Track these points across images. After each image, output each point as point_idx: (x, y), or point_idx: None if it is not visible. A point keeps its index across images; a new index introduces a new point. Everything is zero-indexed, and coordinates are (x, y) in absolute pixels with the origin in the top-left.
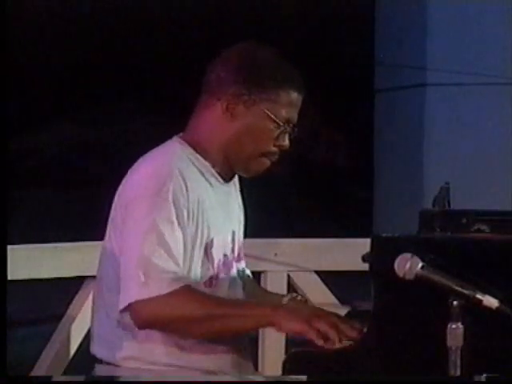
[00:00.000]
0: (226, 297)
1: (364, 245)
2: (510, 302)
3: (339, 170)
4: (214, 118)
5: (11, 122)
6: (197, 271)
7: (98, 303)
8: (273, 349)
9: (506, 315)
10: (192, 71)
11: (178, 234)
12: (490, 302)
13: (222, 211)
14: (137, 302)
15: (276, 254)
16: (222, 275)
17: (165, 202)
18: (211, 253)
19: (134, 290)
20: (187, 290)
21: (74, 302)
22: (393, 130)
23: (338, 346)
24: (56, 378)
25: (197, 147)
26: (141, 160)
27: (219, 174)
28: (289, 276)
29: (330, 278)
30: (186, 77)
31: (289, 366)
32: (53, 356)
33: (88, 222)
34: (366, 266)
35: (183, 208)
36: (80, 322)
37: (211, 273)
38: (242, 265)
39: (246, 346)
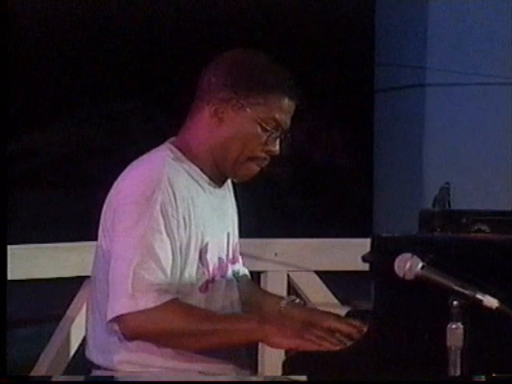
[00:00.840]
0: (221, 300)
1: (364, 245)
2: (510, 302)
3: (339, 170)
4: (203, 123)
5: (11, 122)
6: (192, 277)
7: (92, 305)
8: (273, 349)
9: (506, 315)
10: (192, 72)
11: (167, 243)
12: (490, 302)
13: (216, 215)
14: (124, 315)
15: (276, 254)
16: (217, 279)
17: (153, 211)
18: (206, 258)
19: (121, 302)
20: (174, 305)
21: (73, 302)
22: (393, 130)
23: (337, 347)
24: (56, 378)
25: (187, 152)
26: (131, 166)
27: (210, 178)
28: (289, 276)
29: (330, 278)
30: (186, 77)
31: (289, 366)
32: (53, 356)
33: (88, 222)
34: (366, 266)
35: (171, 217)
36: (80, 323)
37: (206, 277)
38: (238, 266)
39: (243, 348)
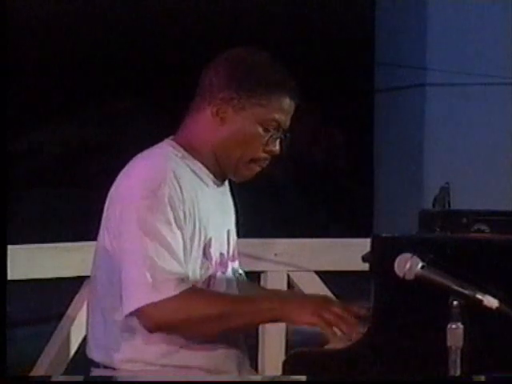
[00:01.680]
0: None
1: (364, 245)
2: (510, 302)
3: (339, 170)
4: (205, 123)
5: (11, 122)
6: (196, 271)
7: (93, 305)
8: (273, 349)
9: (506, 315)
10: (192, 72)
11: (177, 234)
12: (490, 302)
13: (218, 211)
14: (147, 306)
15: (276, 254)
16: (219, 274)
17: (161, 205)
18: (210, 252)
19: (143, 294)
20: (196, 291)
21: (73, 302)
22: (393, 130)
23: (352, 332)
24: (56, 378)
25: (189, 149)
26: (132, 162)
27: (214, 174)
28: (288, 276)
29: (330, 278)
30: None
31: (289, 366)
32: (53, 356)
33: (88, 222)
34: (366, 266)
35: (179, 210)
36: (80, 322)
37: (210, 272)
38: (236, 265)
39: (242, 344)
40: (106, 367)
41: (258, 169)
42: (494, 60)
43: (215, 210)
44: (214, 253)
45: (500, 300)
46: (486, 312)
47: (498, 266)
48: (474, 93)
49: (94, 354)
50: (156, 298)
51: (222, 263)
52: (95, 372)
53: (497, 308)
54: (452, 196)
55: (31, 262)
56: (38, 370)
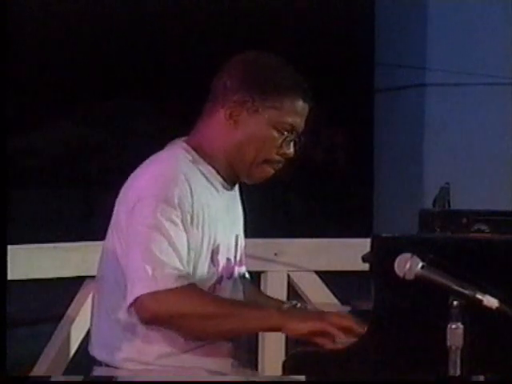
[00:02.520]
0: None
1: (364, 245)
2: (510, 302)
3: (339, 170)
4: (218, 126)
5: (11, 121)
6: (203, 276)
7: (99, 304)
8: (273, 349)
9: (506, 315)
10: (193, 72)
11: (183, 236)
12: (490, 302)
13: (228, 216)
14: (144, 296)
15: (276, 254)
16: (225, 279)
17: (170, 205)
18: (217, 258)
19: (142, 284)
20: (194, 288)
21: (74, 302)
22: (393, 130)
23: (344, 342)
24: (56, 378)
25: (201, 153)
26: (144, 165)
27: (224, 179)
28: (289, 276)
29: (330, 278)
30: (187, 78)
31: (289, 366)
32: (53, 356)
33: (88, 222)
34: (366, 266)
35: (187, 213)
36: (80, 322)
37: (216, 278)
38: (243, 269)
39: (244, 347)
40: (107, 365)
41: (271, 171)
42: (494, 60)
43: (224, 215)
44: (221, 259)
45: (500, 300)
46: (486, 312)
47: (498, 266)
48: (474, 93)
49: (96, 352)
50: (154, 287)
51: (229, 268)
52: (97, 370)
53: (497, 308)
54: (452, 196)
55: (31, 262)
56: (38, 370)
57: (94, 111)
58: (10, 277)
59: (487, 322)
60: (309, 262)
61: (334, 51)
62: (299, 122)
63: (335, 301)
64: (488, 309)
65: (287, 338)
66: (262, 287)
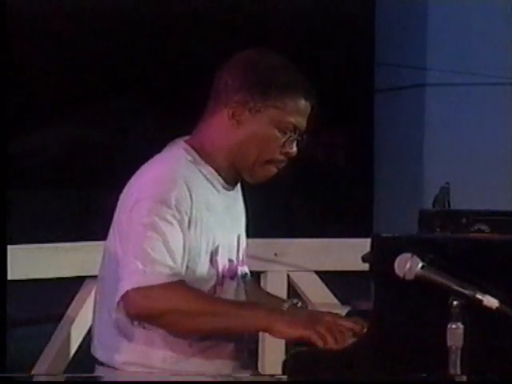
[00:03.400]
0: None
1: (364, 245)
2: (510, 302)
3: (339, 170)
4: (220, 125)
5: (11, 121)
6: (202, 278)
7: (100, 304)
8: (273, 349)
9: (506, 315)
10: (194, 72)
11: (179, 236)
12: (490, 302)
13: (228, 216)
14: (133, 290)
15: (276, 254)
16: (227, 281)
17: (167, 206)
18: (216, 260)
19: (132, 278)
20: (184, 285)
21: (73, 301)
22: (393, 130)
23: (342, 344)
24: (56, 378)
25: (202, 153)
26: (146, 165)
27: (225, 180)
28: (289, 276)
29: (330, 278)
30: (187, 78)
31: (289, 366)
32: (53, 356)
33: (88, 222)
34: (366, 266)
35: (185, 215)
36: (80, 322)
37: (216, 279)
38: (246, 269)
39: (245, 351)
40: (108, 367)
41: (274, 170)
42: (494, 60)
43: (225, 216)
44: (222, 259)
45: (500, 300)
46: (486, 312)
47: (498, 266)
48: (474, 93)
49: (98, 352)
50: (143, 282)
51: (231, 269)
52: (99, 369)
53: (497, 308)
54: (452, 196)
55: (31, 262)
56: (38, 370)
57: (94, 111)
58: (9, 277)
59: (487, 322)
60: (309, 262)
61: (334, 51)
62: (301, 121)
63: (335, 301)
64: (488, 309)
65: None
66: (262, 288)
